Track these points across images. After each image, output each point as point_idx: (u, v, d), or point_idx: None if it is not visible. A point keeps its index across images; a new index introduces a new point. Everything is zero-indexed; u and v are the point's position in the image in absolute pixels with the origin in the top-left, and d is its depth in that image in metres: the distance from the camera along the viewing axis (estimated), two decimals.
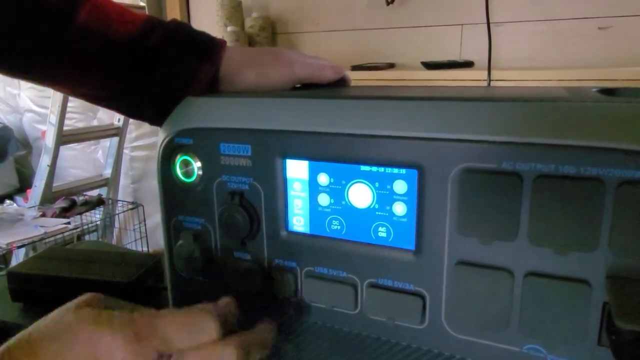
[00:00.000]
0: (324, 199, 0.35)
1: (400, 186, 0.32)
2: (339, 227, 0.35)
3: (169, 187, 0.40)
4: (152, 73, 0.43)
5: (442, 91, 0.38)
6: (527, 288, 0.29)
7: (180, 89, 0.43)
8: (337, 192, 0.34)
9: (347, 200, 0.34)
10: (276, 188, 0.36)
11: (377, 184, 0.33)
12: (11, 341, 0.28)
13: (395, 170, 0.32)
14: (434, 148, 0.30)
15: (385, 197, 0.33)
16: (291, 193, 0.36)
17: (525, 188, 0.28)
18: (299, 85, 0.47)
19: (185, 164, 0.39)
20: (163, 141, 0.40)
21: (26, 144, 2.79)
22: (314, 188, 0.35)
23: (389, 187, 0.33)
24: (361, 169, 0.33)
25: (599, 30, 1.19)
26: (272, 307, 0.38)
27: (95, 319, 0.29)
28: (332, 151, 0.33)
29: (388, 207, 0.33)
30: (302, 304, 0.37)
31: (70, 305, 0.30)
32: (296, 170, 0.35)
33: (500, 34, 1.29)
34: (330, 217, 0.35)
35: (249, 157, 0.36)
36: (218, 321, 0.30)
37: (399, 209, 0.33)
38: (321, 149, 0.34)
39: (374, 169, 0.33)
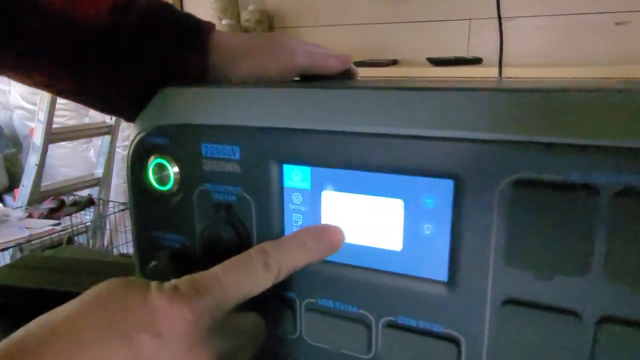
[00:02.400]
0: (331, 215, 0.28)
1: (431, 201, 0.25)
2: (348, 251, 0.28)
3: (141, 196, 0.33)
4: (128, 64, 0.36)
5: (481, 83, 0.31)
6: (602, 337, 0.22)
7: (163, 83, 0.35)
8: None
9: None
10: (271, 200, 0.29)
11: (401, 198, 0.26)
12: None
13: (425, 181, 0.25)
14: (476, 153, 0.23)
15: (411, 214, 0.26)
16: (290, 207, 0.29)
17: (602, 206, 0.21)
18: (298, 78, 0.40)
19: (160, 168, 0.32)
20: (133, 141, 0.33)
21: (16, 142, 2.71)
22: (318, 201, 0.28)
23: (416, 202, 0.26)
24: (379, 179, 0.26)
25: (617, 26, 1.13)
26: (265, 346, 0.31)
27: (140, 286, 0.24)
28: (341, 155, 0.26)
29: (414, 227, 0.26)
30: (301, 345, 0.30)
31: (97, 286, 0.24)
32: (296, 178, 0.28)
33: (510, 29, 1.22)
34: None
35: (238, 162, 0.29)
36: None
37: (429, 229, 0.26)
38: (328, 153, 0.27)
39: (397, 178, 0.26)
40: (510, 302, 0.24)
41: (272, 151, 0.28)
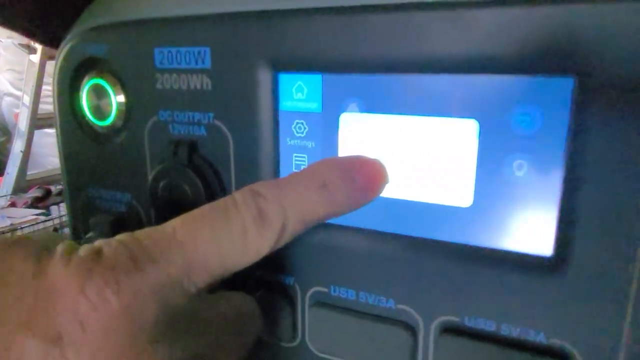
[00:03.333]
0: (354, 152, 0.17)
1: (528, 118, 0.15)
2: (380, 209, 0.17)
3: (72, 136, 0.23)
4: None
5: None
6: None
7: None
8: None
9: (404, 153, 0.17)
10: (259, 132, 0.18)
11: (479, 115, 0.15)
12: None
13: (520, 83, 0.15)
14: (624, 14, 0.13)
15: (492, 143, 0.15)
16: (288, 142, 0.19)
17: None
18: None
19: (97, 93, 0.22)
20: (61, 52, 0.22)
21: (5, 130, 2.61)
22: (334, 131, 0.18)
23: (502, 121, 0.15)
24: (437, 85, 0.16)
25: None
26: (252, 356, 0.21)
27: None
28: (373, 49, 0.16)
29: (496, 165, 0.15)
30: (304, 357, 0.20)
31: None
32: (299, 95, 0.18)
33: None
34: None
35: (208, 73, 0.19)
36: None
37: (522, 167, 0.15)
38: (351, 47, 0.16)
39: (469, 81, 0.15)
40: None
41: (261, 51, 0.18)
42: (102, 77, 0.21)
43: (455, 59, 0.15)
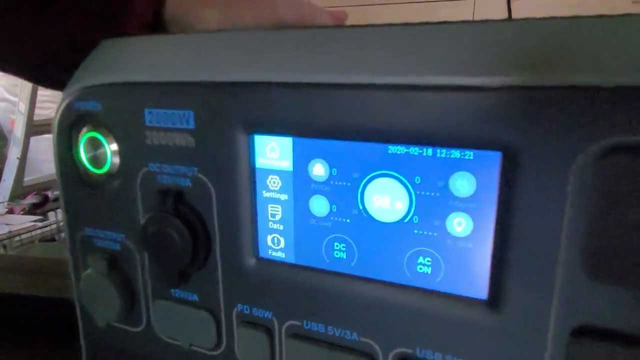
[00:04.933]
0: (320, 206, 0.20)
1: (463, 183, 0.17)
2: (345, 255, 0.20)
3: (71, 182, 0.25)
4: (59, 9, 0.28)
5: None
6: None
7: (99, 36, 0.27)
8: (345, 193, 0.19)
9: (361, 207, 0.19)
10: (237, 185, 0.21)
11: (418, 180, 0.18)
12: None
13: (456, 154, 0.17)
14: (538, 106, 0.15)
15: (433, 203, 0.18)
16: (263, 194, 0.21)
17: None
18: None
19: (93, 145, 0.24)
20: (59, 109, 0.25)
21: (1, 136, 2.62)
22: (303, 186, 0.20)
23: (441, 184, 0.18)
24: (389, 152, 0.18)
25: (634, 4, 1.05)
26: None
27: None
28: (336, 118, 0.18)
29: (438, 222, 0.18)
30: None
31: None
32: (272, 154, 0.20)
33: (519, 9, 1.14)
34: (332, 236, 0.20)
35: (192, 132, 0.21)
36: None
37: (460, 225, 0.18)
38: (316, 116, 0.19)
39: (414, 151, 0.18)
40: (585, 331, 0.16)
41: (238, 116, 0.20)
42: (97, 131, 0.24)
43: (402, 132, 0.17)
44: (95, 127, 0.24)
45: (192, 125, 0.21)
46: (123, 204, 0.24)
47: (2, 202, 1.82)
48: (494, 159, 0.16)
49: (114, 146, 0.24)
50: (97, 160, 0.24)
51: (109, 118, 0.23)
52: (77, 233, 0.26)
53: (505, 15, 1.15)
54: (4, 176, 1.85)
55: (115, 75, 0.23)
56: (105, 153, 0.24)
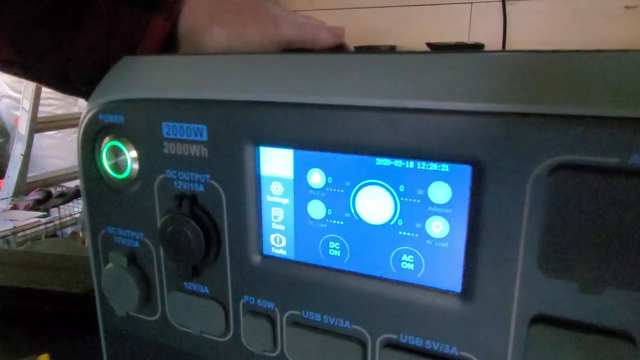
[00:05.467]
0: (317, 209, 0.23)
1: (440, 192, 0.20)
2: (339, 253, 0.23)
3: (94, 185, 0.28)
4: (80, 27, 0.31)
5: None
6: None
7: (119, 53, 0.30)
8: (338, 198, 0.22)
9: (353, 211, 0.22)
10: (245, 191, 0.24)
11: (401, 188, 0.21)
12: None
13: (434, 166, 0.20)
14: (502, 129, 0.18)
15: (414, 209, 0.21)
16: (267, 198, 0.24)
17: None
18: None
19: (115, 152, 0.27)
20: (84, 119, 0.27)
21: (4, 132, 2.64)
22: (302, 192, 0.23)
23: (421, 192, 0.20)
24: (377, 163, 0.21)
25: (626, 10, 1.07)
26: None
27: None
28: (331, 134, 0.21)
29: (419, 225, 0.21)
30: None
31: None
32: (276, 163, 0.23)
33: (514, 13, 1.17)
34: (327, 236, 0.23)
35: (205, 144, 0.24)
36: None
37: (438, 227, 0.20)
38: (314, 132, 0.21)
39: (398, 163, 0.21)
40: (542, 319, 0.19)
41: (246, 130, 0.23)
42: (118, 140, 0.26)
43: (388, 147, 0.20)
44: (117, 137, 0.26)
45: (205, 138, 0.24)
46: (142, 205, 0.27)
47: (6, 198, 1.85)
48: (466, 171, 0.19)
49: (134, 153, 0.26)
50: (118, 167, 0.27)
51: (130, 129, 0.26)
52: (99, 232, 0.29)
53: (500, 19, 1.17)
54: (8, 172, 1.88)
55: (137, 91, 0.26)
56: (126, 160, 0.27)
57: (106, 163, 0.27)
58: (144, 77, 0.26)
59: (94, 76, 0.30)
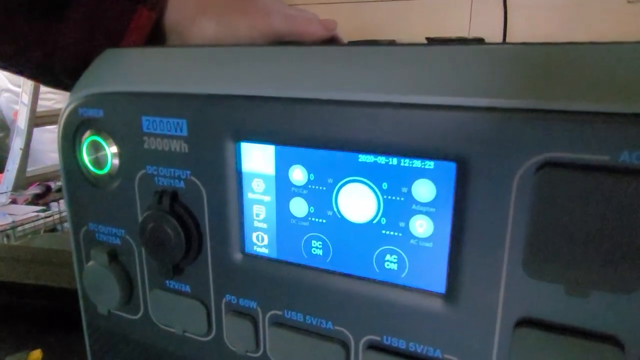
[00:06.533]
0: (299, 207, 0.22)
1: (424, 189, 0.19)
2: (321, 252, 0.22)
3: (75, 180, 0.27)
4: (62, 18, 0.30)
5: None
6: None
7: (103, 45, 0.29)
8: (321, 196, 0.21)
9: (335, 209, 0.21)
10: (226, 187, 0.23)
11: (385, 185, 0.20)
12: None
13: (418, 164, 0.19)
14: (488, 126, 0.17)
15: (398, 207, 0.20)
16: (249, 196, 0.23)
17: None
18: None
19: (95, 147, 0.26)
20: (64, 113, 0.27)
21: (3, 126, 2.64)
22: (284, 189, 0.22)
23: (404, 190, 0.20)
24: (359, 160, 0.20)
25: (629, 5, 1.06)
26: None
27: None
28: (313, 129, 0.20)
29: (403, 224, 0.20)
30: None
31: None
32: (257, 159, 0.22)
33: (515, 8, 1.15)
34: (309, 235, 0.22)
35: (185, 139, 0.23)
36: None
37: (422, 226, 0.20)
38: (296, 127, 0.21)
39: (381, 160, 0.20)
40: (528, 322, 0.18)
41: (227, 125, 0.22)
42: (99, 135, 0.26)
43: (370, 143, 0.19)
44: (97, 132, 0.26)
45: (185, 133, 0.23)
46: (123, 202, 0.26)
47: (6, 193, 1.85)
48: (451, 168, 0.19)
49: (114, 149, 0.26)
50: (98, 162, 0.26)
51: (109, 124, 0.25)
52: (81, 228, 0.28)
53: (501, 13, 1.16)
54: (7, 167, 1.87)
55: (116, 85, 0.25)
56: (106, 155, 0.26)
57: (87, 158, 0.26)
58: (124, 70, 0.25)
59: (78, 69, 0.29)
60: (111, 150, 0.26)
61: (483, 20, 1.20)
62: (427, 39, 1.15)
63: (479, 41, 1.17)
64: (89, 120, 0.26)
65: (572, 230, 0.16)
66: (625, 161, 0.15)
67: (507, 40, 1.15)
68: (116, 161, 0.26)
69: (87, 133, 0.26)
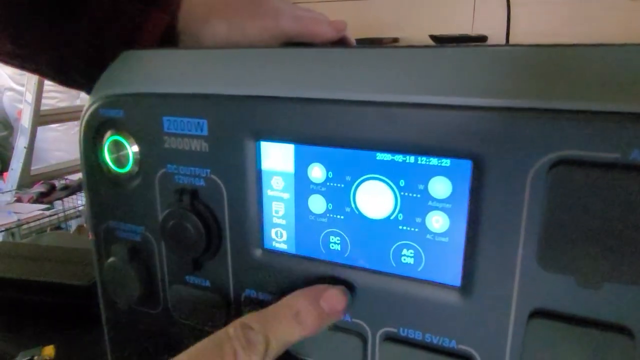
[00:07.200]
0: (317, 204, 0.23)
1: (440, 186, 0.20)
2: (339, 247, 0.23)
3: (96, 179, 0.28)
4: (78, 19, 0.31)
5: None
6: None
7: (117, 46, 0.30)
8: (339, 193, 0.22)
9: (353, 205, 0.22)
10: (245, 185, 0.24)
11: (402, 182, 0.21)
12: None
13: (434, 161, 0.20)
14: (503, 124, 0.18)
15: (415, 203, 0.21)
16: (268, 193, 0.24)
17: None
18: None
19: (117, 147, 0.27)
20: (85, 114, 0.27)
21: (7, 125, 2.65)
22: (303, 186, 0.23)
23: (421, 187, 0.20)
24: (377, 158, 0.21)
25: (632, 2, 1.06)
26: None
27: None
28: (331, 129, 0.21)
29: (419, 219, 0.21)
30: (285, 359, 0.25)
31: None
32: (276, 158, 0.23)
33: (518, 6, 1.16)
34: (327, 230, 0.23)
35: (205, 139, 0.24)
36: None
37: (438, 222, 0.21)
38: (315, 126, 0.21)
39: (399, 158, 0.21)
40: (541, 313, 0.19)
41: (247, 125, 0.23)
42: (120, 134, 0.26)
43: (388, 142, 0.20)
44: (118, 132, 0.27)
45: (205, 132, 0.24)
46: (143, 200, 0.27)
47: (10, 191, 1.86)
48: (466, 166, 0.19)
49: (135, 148, 0.26)
50: (119, 161, 0.27)
51: (130, 124, 0.26)
52: (101, 225, 0.29)
53: (504, 10, 1.17)
54: (12, 165, 1.88)
55: (137, 86, 0.26)
56: (127, 155, 0.27)
57: (108, 157, 0.27)
58: (143, 72, 0.26)
59: (92, 69, 0.30)
60: (132, 149, 0.26)
61: (486, 17, 1.21)
62: (431, 36, 1.15)
63: (482, 39, 1.18)
64: (110, 121, 0.26)
65: (585, 224, 0.17)
66: (635, 159, 0.16)
67: (510, 37, 1.15)
68: (137, 160, 0.26)
69: (109, 133, 0.27)
